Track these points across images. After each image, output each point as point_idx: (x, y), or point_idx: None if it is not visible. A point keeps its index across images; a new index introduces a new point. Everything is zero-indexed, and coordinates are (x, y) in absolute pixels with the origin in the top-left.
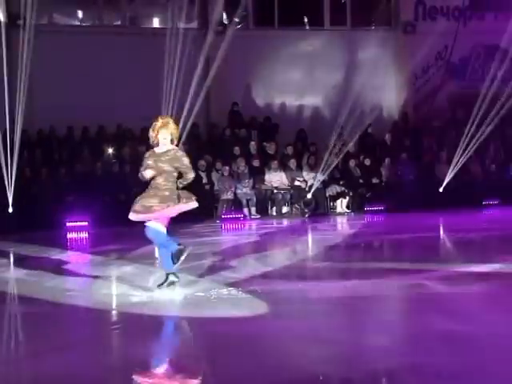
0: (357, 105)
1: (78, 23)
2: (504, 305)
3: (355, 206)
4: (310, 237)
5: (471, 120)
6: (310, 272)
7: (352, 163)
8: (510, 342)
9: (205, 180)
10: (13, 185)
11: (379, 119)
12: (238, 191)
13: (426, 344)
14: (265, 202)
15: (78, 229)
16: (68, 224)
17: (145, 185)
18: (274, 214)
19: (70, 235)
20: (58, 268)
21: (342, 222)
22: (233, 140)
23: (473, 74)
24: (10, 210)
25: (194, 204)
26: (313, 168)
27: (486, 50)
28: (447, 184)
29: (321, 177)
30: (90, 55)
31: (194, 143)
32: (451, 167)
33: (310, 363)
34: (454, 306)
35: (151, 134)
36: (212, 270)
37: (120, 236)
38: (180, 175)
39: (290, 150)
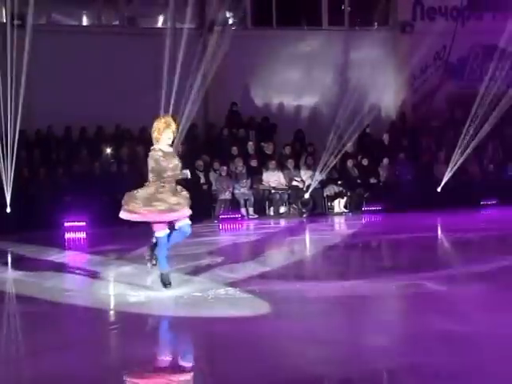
0: (355, 105)
1: (77, 23)
2: (502, 305)
3: (353, 206)
4: (307, 237)
5: (469, 120)
6: (308, 272)
7: (350, 163)
8: (508, 341)
9: (203, 180)
10: (11, 185)
11: (377, 119)
12: (236, 191)
13: (424, 344)
14: (262, 202)
15: (76, 229)
16: (66, 224)
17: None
18: (272, 214)
19: (68, 235)
20: (56, 268)
21: (340, 222)
22: (231, 140)
23: (471, 73)
24: (8, 210)
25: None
26: (310, 168)
27: (484, 50)
28: (445, 184)
29: (318, 177)
30: (89, 55)
31: (192, 143)
32: (449, 167)
33: (308, 363)
34: (452, 305)
35: (156, 134)
36: (210, 269)
37: (118, 236)
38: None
39: (287, 150)
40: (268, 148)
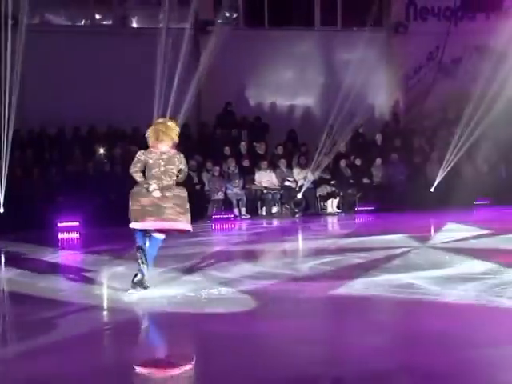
0: (348, 105)
1: (70, 23)
2: (495, 306)
3: (346, 206)
4: (300, 237)
5: (462, 120)
6: (301, 272)
7: (343, 163)
8: (502, 341)
9: (195, 180)
10: (4, 185)
11: (370, 119)
12: (229, 191)
13: (416, 344)
14: (255, 202)
15: (69, 229)
16: (59, 224)
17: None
18: (264, 214)
19: (61, 235)
20: (50, 268)
21: (333, 222)
22: (223, 140)
23: (464, 74)
24: (1, 209)
25: None
26: (303, 168)
27: (477, 50)
28: (438, 184)
29: (311, 177)
30: (82, 55)
31: (185, 143)
32: (442, 167)
33: (300, 363)
34: (445, 305)
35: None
36: (202, 269)
37: (111, 236)
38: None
39: (280, 150)
40: (260, 148)
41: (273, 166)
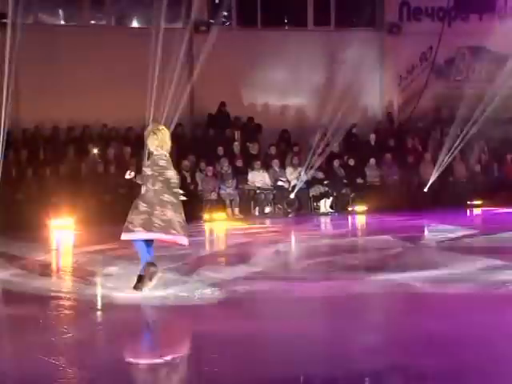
0: (341, 105)
1: (64, 23)
2: (489, 305)
3: (339, 207)
4: (293, 237)
5: (456, 120)
6: (294, 272)
7: (336, 163)
8: (495, 341)
9: (189, 180)
10: None
11: (364, 119)
12: (222, 191)
13: (410, 344)
14: (248, 202)
15: (62, 229)
16: (53, 224)
17: (130, 186)
18: (257, 214)
19: (55, 235)
20: (43, 268)
21: (326, 222)
22: (216, 140)
23: (457, 74)
24: None
25: None
26: (296, 168)
27: (470, 51)
28: (431, 184)
29: (304, 177)
30: (76, 55)
31: (178, 143)
32: (436, 167)
33: (294, 363)
34: (439, 306)
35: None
36: (196, 270)
37: (105, 236)
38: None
39: (273, 150)
40: (253, 148)
41: (266, 166)
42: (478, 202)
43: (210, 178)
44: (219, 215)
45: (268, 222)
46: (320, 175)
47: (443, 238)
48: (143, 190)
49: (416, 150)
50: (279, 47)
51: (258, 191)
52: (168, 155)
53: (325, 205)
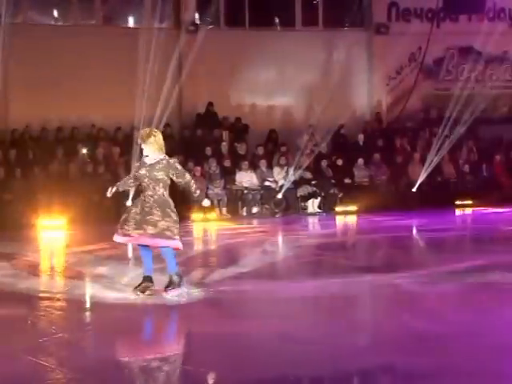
0: (329, 105)
1: (53, 22)
2: (477, 304)
3: (327, 207)
4: (280, 237)
5: (444, 121)
6: (282, 272)
7: (324, 163)
8: (482, 341)
9: None
10: None
11: (352, 120)
12: (210, 192)
13: (399, 344)
14: (235, 202)
15: (52, 229)
16: (42, 224)
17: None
18: (245, 214)
19: (44, 235)
20: (33, 268)
21: (314, 222)
22: (204, 140)
23: (446, 75)
24: None
25: None
26: (283, 168)
27: (459, 52)
28: (420, 184)
29: (292, 177)
30: (65, 55)
31: (167, 143)
32: (424, 168)
33: (282, 363)
34: (426, 305)
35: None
36: (184, 270)
37: (94, 236)
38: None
39: (260, 150)
40: (241, 148)
41: (253, 167)
42: (467, 202)
43: (198, 178)
44: (207, 215)
45: (255, 222)
46: (308, 175)
47: (432, 237)
48: (145, 194)
49: (405, 150)
50: (267, 47)
51: (245, 191)
52: None
53: (313, 205)
